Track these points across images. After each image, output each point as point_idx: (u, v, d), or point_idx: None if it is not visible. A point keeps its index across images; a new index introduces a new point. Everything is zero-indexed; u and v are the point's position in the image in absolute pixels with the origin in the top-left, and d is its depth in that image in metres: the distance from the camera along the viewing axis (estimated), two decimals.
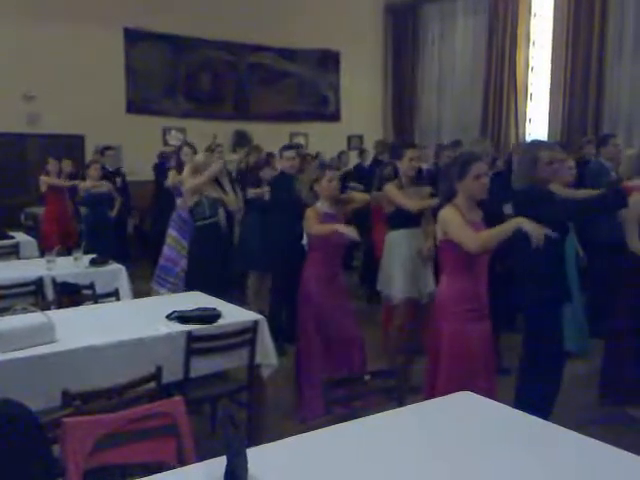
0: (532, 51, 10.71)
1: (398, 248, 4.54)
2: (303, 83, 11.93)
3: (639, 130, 9.11)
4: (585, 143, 7.17)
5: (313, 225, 3.99)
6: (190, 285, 4.84)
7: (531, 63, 10.74)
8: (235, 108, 11.24)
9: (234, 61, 11.15)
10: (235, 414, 2.11)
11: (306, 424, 3.21)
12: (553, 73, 10.15)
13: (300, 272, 4.18)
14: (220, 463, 1.86)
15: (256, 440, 2.47)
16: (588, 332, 5.30)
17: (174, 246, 6.01)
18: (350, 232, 3.82)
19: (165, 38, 10.45)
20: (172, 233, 6.07)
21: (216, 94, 11.05)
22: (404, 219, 4.53)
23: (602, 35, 9.34)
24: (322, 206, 4.07)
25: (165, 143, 10.08)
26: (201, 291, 4.13)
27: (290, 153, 5.38)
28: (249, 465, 1.86)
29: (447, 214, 3.22)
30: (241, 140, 10.43)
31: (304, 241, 4.35)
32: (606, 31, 9.32)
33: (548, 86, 10.33)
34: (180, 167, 6.18)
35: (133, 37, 10.22)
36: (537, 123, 10.71)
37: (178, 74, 10.70)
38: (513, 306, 4.47)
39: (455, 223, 3.17)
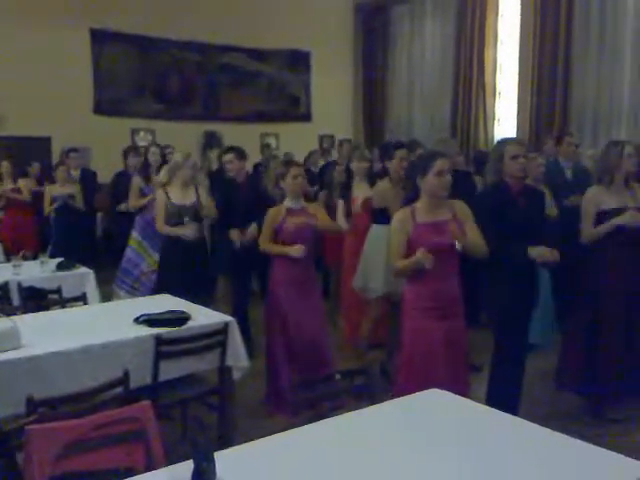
0: (500, 50, 10.82)
1: (381, 243, 4.55)
2: (273, 83, 11.91)
3: (606, 128, 9.26)
4: (545, 141, 7.28)
5: (262, 239, 4.09)
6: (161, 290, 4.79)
7: (499, 62, 10.85)
8: (205, 109, 11.17)
9: (203, 61, 11.08)
10: (202, 417, 2.09)
11: (277, 425, 3.20)
12: (521, 72, 10.27)
13: (266, 274, 4.21)
14: (187, 467, 1.84)
15: (228, 443, 2.45)
16: (556, 327, 5.37)
17: (135, 247, 5.96)
18: (297, 253, 3.95)
19: (133, 39, 10.34)
20: (134, 235, 6.02)
21: (185, 95, 10.97)
22: (389, 214, 4.57)
23: (568, 34, 9.48)
24: (287, 202, 4.10)
25: (134, 144, 9.97)
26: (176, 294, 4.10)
27: (228, 157, 5.33)
28: (218, 468, 1.84)
29: (395, 222, 3.29)
30: (211, 141, 10.37)
31: None
32: (572, 30, 9.45)
33: (516, 85, 10.45)
34: (146, 169, 6.12)
35: (100, 38, 10.10)
36: (506, 121, 10.83)
37: (147, 75, 10.59)
38: (477, 302, 4.52)
39: (393, 235, 3.28)
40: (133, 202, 6.13)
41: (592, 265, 4.02)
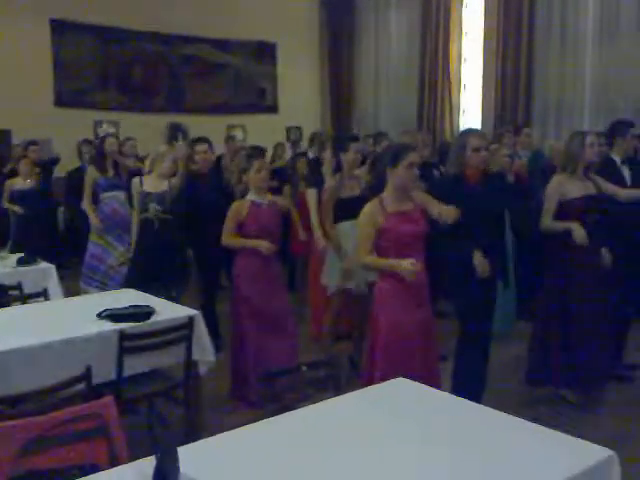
0: (465, 43, 10.90)
1: (345, 239, 4.55)
2: (239, 75, 11.80)
3: (568, 119, 9.40)
4: (504, 133, 7.37)
5: (225, 234, 4.04)
6: (131, 281, 4.75)
7: (464, 54, 10.93)
8: (169, 100, 11.02)
9: (167, 52, 10.92)
10: (164, 413, 2.07)
11: (243, 418, 3.19)
12: (485, 64, 10.37)
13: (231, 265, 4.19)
14: (151, 463, 1.82)
15: (194, 437, 2.43)
16: (515, 314, 5.46)
17: (99, 242, 5.87)
18: (267, 251, 3.97)
19: (94, 29, 10.13)
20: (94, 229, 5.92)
21: (149, 86, 10.81)
22: (350, 210, 4.56)
23: (531, 26, 9.59)
24: (250, 195, 4.08)
25: (97, 136, 9.80)
26: (144, 287, 4.05)
27: (203, 147, 5.28)
28: (183, 463, 1.83)
29: (363, 211, 3.28)
30: (176, 133, 10.23)
31: None
32: (535, 22, 9.57)
33: (481, 77, 10.54)
34: (102, 159, 5.98)
35: (60, 28, 9.86)
36: (471, 113, 10.93)
37: (109, 66, 10.39)
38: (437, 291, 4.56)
39: (361, 229, 3.26)
40: (85, 202, 5.98)
41: (557, 257, 4.07)
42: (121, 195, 5.90)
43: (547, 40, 9.57)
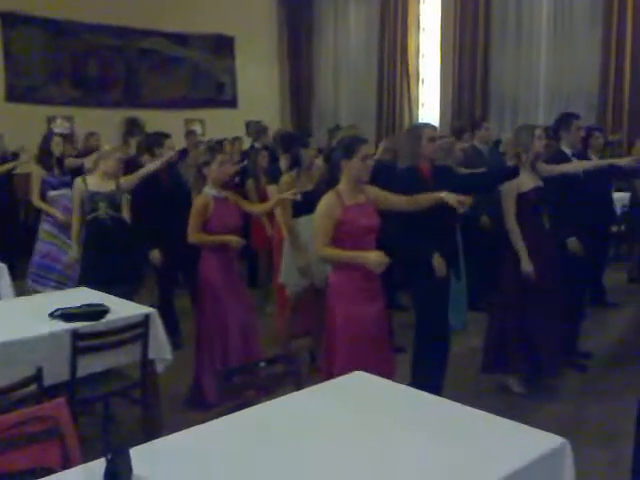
0: (422, 37, 10.98)
1: (303, 236, 4.53)
2: (197, 69, 11.66)
3: (525, 113, 9.57)
4: (464, 127, 7.46)
5: (191, 230, 3.96)
6: (83, 282, 4.65)
7: (422, 49, 11.01)
8: (125, 95, 10.82)
9: (122, 46, 10.71)
10: (118, 412, 2.03)
11: (203, 416, 3.16)
12: (442, 59, 10.47)
13: (190, 262, 4.13)
14: (102, 465, 1.78)
15: (153, 437, 2.39)
16: (467, 305, 5.53)
17: (53, 242, 5.73)
18: (237, 244, 3.94)
19: (46, 22, 9.88)
20: (46, 228, 5.76)
21: (104, 80, 10.59)
22: (304, 205, 4.55)
23: (487, 20, 9.72)
24: (211, 190, 4.01)
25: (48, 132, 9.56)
26: (97, 287, 3.96)
27: (170, 142, 5.21)
28: (137, 464, 1.80)
29: (320, 203, 3.26)
30: (133, 128, 10.08)
31: None
32: (491, 16, 9.70)
33: (438, 72, 10.64)
34: (47, 158, 5.83)
35: (10, 22, 9.58)
36: (429, 107, 11.02)
37: (62, 60, 10.15)
38: (393, 283, 4.59)
39: (319, 221, 3.23)
40: (36, 200, 5.83)
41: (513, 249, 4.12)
42: (70, 193, 5.77)
43: (503, 35, 9.71)
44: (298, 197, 4.06)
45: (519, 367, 4.17)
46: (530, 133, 4.04)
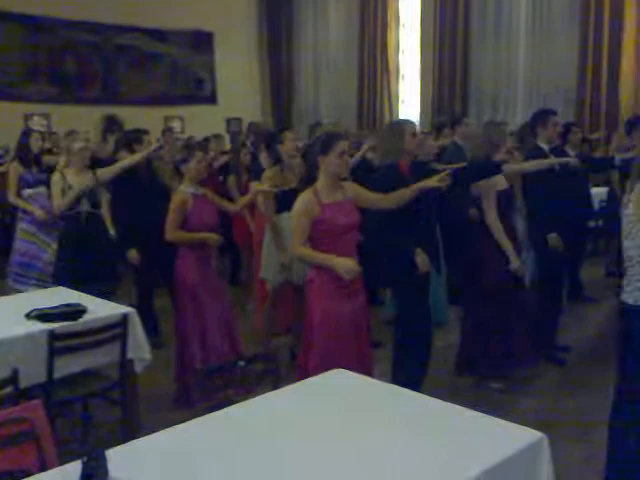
0: (402, 33, 10.99)
1: (283, 231, 4.52)
2: (176, 65, 11.58)
3: (504, 109, 9.63)
4: (444, 123, 7.49)
5: (170, 228, 3.92)
6: (60, 278, 4.60)
7: (402, 45, 11.03)
8: (104, 92, 10.73)
9: (100, 42, 10.61)
10: (91, 414, 2.01)
11: (182, 416, 3.14)
12: (422, 55, 10.49)
13: (167, 261, 4.10)
14: (77, 467, 1.76)
15: (132, 438, 2.37)
16: (448, 300, 5.54)
17: (31, 240, 5.66)
18: (215, 241, 3.92)
19: (23, 18, 9.75)
20: (24, 226, 5.69)
21: (82, 77, 10.49)
22: (286, 202, 4.54)
23: (466, 17, 9.76)
24: (188, 188, 3.98)
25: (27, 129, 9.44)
26: (73, 285, 3.92)
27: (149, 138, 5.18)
28: (114, 465, 1.78)
29: (297, 201, 3.25)
30: (111, 125, 9.96)
31: None
32: (470, 13, 9.74)
33: (418, 68, 10.66)
34: (25, 155, 5.76)
35: None
36: (409, 104, 11.04)
37: (40, 57, 10.04)
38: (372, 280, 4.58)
39: (296, 219, 3.22)
40: (13, 198, 5.75)
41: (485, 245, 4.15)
42: (45, 190, 5.70)
43: (482, 32, 9.76)
44: (275, 190, 4.05)
45: (491, 364, 4.19)
46: (502, 130, 4.08)
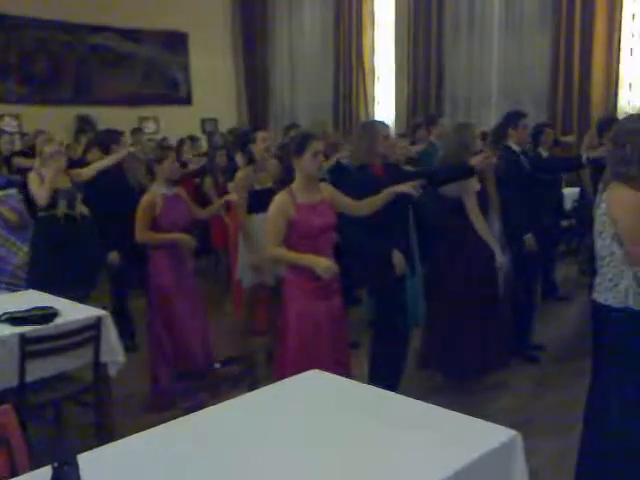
0: (377, 33, 11.02)
1: (254, 232, 4.51)
2: (151, 65, 11.47)
3: (477, 111, 9.70)
4: (419, 124, 7.54)
5: (140, 230, 3.87)
6: (33, 281, 4.53)
7: (377, 45, 11.05)
8: (76, 92, 10.57)
9: (72, 42, 10.46)
10: (65, 418, 1.98)
11: (157, 419, 3.11)
12: (397, 55, 10.53)
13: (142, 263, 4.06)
14: (48, 472, 1.73)
15: (106, 442, 2.34)
16: (424, 299, 5.55)
17: (1, 244, 5.56)
18: (188, 243, 3.87)
19: None
20: None
21: (54, 77, 10.32)
22: (260, 202, 4.53)
23: (440, 19, 9.82)
24: (160, 188, 3.94)
25: None
26: (47, 288, 3.86)
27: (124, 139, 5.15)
28: (86, 470, 1.75)
29: (273, 202, 3.24)
30: (84, 126, 9.86)
31: None
32: (443, 14, 9.80)
33: (393, 69, 10.69)
34: None
35: None
36: (385, 104, 11.08)
37: (10, 57, 9.86)
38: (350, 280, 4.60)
39: (272, 220, 3.21)
40: None
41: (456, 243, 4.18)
42: (16, 193, 5.61)
43: (456, 34, 9.83)
44: (234, 197, 4.03)
45: (456, 364, 4.22)
46: (471, 132, 4.12)
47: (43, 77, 10.20)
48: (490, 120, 8.82)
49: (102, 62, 10.83)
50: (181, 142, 8.02)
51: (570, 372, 4.39)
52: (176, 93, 11.90)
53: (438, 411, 2.19)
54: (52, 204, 4.59)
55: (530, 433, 2.43)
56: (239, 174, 4.55)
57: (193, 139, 8.65)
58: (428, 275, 4.51)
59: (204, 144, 9.81)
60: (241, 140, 5.22)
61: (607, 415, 2.74)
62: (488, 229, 4.10)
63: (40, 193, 4.55)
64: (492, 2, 9.37)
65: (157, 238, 3.91)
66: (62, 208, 4.61)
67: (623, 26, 8.08)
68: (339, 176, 4.65)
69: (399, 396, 2.39)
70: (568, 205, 7.06)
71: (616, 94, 8.23)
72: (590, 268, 6.07)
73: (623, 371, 2.65)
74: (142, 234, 3.89)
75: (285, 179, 3.38)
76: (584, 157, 4.39)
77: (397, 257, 3.61)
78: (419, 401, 2.27)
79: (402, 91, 10.41)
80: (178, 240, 3.89)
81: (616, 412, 2.69)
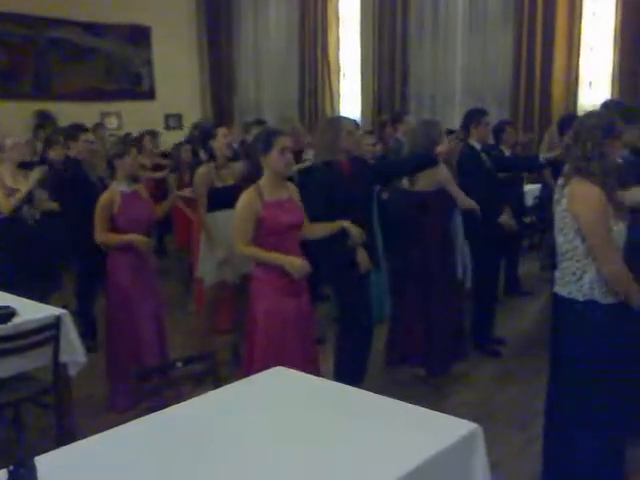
0: (342, 30, 11.02)
1: (216, 230, 4.47)
2: (113, 60, 11.28)
3: (442, 109, 9.77)
4: (385, 121, 7.60)
5: (98, 231, 3.82)
6: None
7: (342, 42, 11.06)
8: (35, 87, 10.32)
9: (32, 36, 10.22)
10: (24, 420, 1.94)
11: (118, 419, 3.07)
12: (362, 51, 10.55)
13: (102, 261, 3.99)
14: (4, 475, 1.69)
15: (66, 444, 2.30)
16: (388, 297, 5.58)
17: None
18: (144, 244, 3.84)
19: None
20: None
21: (12, 72, 10.06)
22: (222, 200, 4.50)
23: (404, 16, 9.86)
24: (119, 185, 3.87)
25: None
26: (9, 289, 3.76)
27: (89, 136, 5.05)
28: (47, 472, 1.72)
29: (240, 199, 3.21)
30: (44, 121, 9.65)
31: None
32: (408, 12, 9.84)
33: (359, 65, 10.71)
34: None
35: None
36: (351, 101, 11.10)
37: None
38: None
39: (240, 218, 3.18)
40: None
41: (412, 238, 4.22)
42: None
43: (420, 31, 9.87)
44: (187, 193, 3.99)
45: (420, 358, 4.26)
46: (439, 129, 4.16)
47: (0, 71, 9.94)
48: (454, 118, 8.89)
49: (62, 56, 10.60)
50: (141, 137, 7.91)
51: (531, 365, 4.46)
52: (139, 88, 11.72)
53: (401, 406, 2.21)
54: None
55: (491, 426, 2.47)
56: (200, 170, 4.51)
57: (153, 134, 8.53)
58: (393, 270, 4.53)
59: (168, 139, 9.69)
60: (202, 136, 5.17)
61: (568, 406, 2.80)
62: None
63: (5, 205, 4.40)
64: (456, 1, 9.45)
65: (114, 240, 3.85)
66: (25, 209, 4.49)
67: (583, 25, 8.23)
68: (306, 175, 4.63)
69: (362, 391, 2.41)
70: (530, 202, 7.17)
71: (576, 92, 8.38)
72: (551, 263, 6.19)
73: (586, 364, 2.70)
74: (100, 235, 3.84)
75: (250, 176, 3.34)
76: (541, 158, 4.47)
77: (361, 254, 3.61)
78: (382, 396, 2.28)
79: (368, 88, 10.44)
80: (134, 241, 3.83)
81: (577, 403, 2.74)
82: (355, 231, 3.30)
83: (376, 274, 4.03)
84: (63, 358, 3.29)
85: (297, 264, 3.11)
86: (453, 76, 9.61)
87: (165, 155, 8.15)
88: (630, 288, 2.62)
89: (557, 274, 2.79)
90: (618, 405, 2.74)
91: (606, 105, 3.72)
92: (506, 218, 4.58)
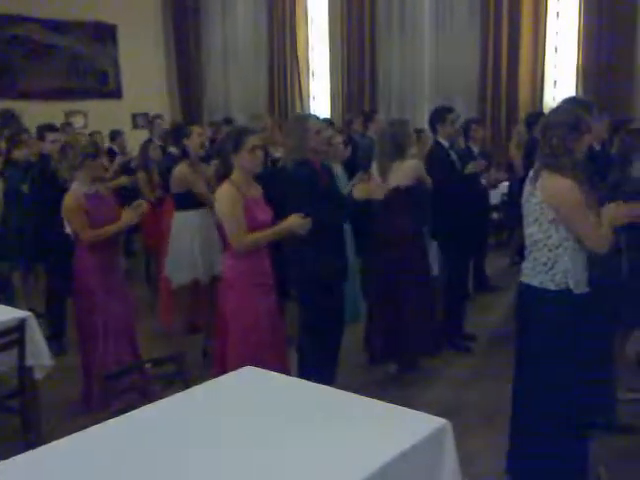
0: (311, 29, 11.01)
1: (187, 230, 4.43)
2: (77, 58, 11.08)
3: (411, 107, 9.82)
4: (353, 119, 7.61)
5: (83, 229, 3.75)
6: None
7: (311, 41, 11.05)
8: None
9: None
10: None
11: (88, 422, 3.02)
12: (331, 51, 10.56)
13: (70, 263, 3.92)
14: None
15: (32, 448, 2.25)
16: (362, 296, 5.60)
17: None
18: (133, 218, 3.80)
19: None
20: None
21: None
22: (192, 199, 4.48)
23: (372, 16, 9.89)
24: (81, 187, 3.80)
25: None
26: None
27: (56, 136, 4.96)
28: (14, 475, 1.69)
29: (221, 194, 3.18)
30: (6, 120, 9.44)
31: (68, 229, 4.00)
32: (375, 12, 9.87)
33: (328, 64, 10.71)
34: None
35: None
36: (320, 100, 11.10)
37: None
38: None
39: (230, 211, 3.13)
40: None
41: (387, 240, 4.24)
42: None
43: (388, 31, 9.91)
44: (144, 205, 3.92)
45: (392, 354, 4.29)
46: (406, 129, 4.19)
47: None
48: (423, 117, 8.95)
49: (25, 54, 10.39)
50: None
51: (501, 361, 4.49)
52: (105, 87, 11.55)
53: (370, 403, 2.22)
54: None
55: (461, 422, 2.49)
56: (181, 169, 4.47)
57: (115, 134, 8.45)
58: (364, 270, 4.55)
59: (137, 137, 9.55)
60: (173, 133, 5.12)
61: (533, 399, 2.84)
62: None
63: None
64: (422, 1, 9.50)
65: (107, 232, 3.75)
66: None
67: (548, 25, 8.36)
68: (272, 173, 4.59)
69: (332, 390, 2.40)
70: (497, 199, 7.26)
71: (542, 91, 8.51)
72: (520, 258, 6.28)
73: (553, 351, 2.74)
74: (86, 234, 3.74)
75: (223, 175, 3.32)
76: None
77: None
78: (352, 394, 2.28)
79: (337, 87, 10.45)
80: (123, 225, 3.77)
81: (542, 396, 2.78)
82: (301, 224, 3.19)
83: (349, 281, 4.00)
84: (29, 361, 3.23)
85: (297, 223, 3.15)
86: (421, 76, 9.67)
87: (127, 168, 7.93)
88: (609, 233, 2.68)
89: (526, 265, 2.83)
90: (584, 398, 2.79)
91: (566, 101, 3.77)
92: (471, 166, 4.61)
